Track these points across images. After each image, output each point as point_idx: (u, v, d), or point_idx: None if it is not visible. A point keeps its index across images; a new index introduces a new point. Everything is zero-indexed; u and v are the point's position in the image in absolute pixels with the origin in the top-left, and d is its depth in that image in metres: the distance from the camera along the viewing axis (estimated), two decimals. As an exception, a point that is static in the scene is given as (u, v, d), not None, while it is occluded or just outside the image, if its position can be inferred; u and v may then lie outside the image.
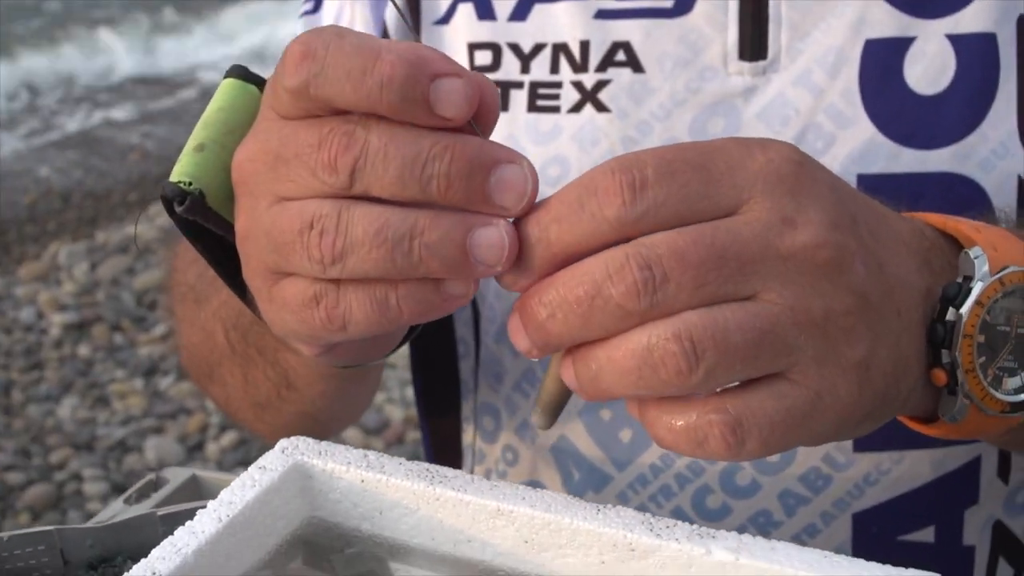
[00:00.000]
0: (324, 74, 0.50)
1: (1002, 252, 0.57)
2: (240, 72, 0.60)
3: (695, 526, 0.55)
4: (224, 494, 0.59)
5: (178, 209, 0.58)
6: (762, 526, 0.81)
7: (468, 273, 0.53)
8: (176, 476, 0.82)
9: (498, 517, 0.58)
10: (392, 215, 0.51)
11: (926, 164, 0.76)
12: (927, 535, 0.80)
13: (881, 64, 0.77)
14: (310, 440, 0.63)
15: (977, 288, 0.56)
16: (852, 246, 0.52)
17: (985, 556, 0.81)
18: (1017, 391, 0.57)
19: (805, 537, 0.80)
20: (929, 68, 0.76)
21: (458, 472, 0.60)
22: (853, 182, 0.76)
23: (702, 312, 0.50)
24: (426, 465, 0.61)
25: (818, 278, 0.51)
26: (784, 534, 0.80)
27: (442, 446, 0.97)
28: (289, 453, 0.62)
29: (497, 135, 0.77)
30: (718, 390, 0.51)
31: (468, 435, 0.94)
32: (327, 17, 0.94)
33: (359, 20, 0.91)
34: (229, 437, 3.07)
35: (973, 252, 0.57)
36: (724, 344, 0.49)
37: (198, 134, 0.59)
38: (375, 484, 0.61)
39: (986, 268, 0.56)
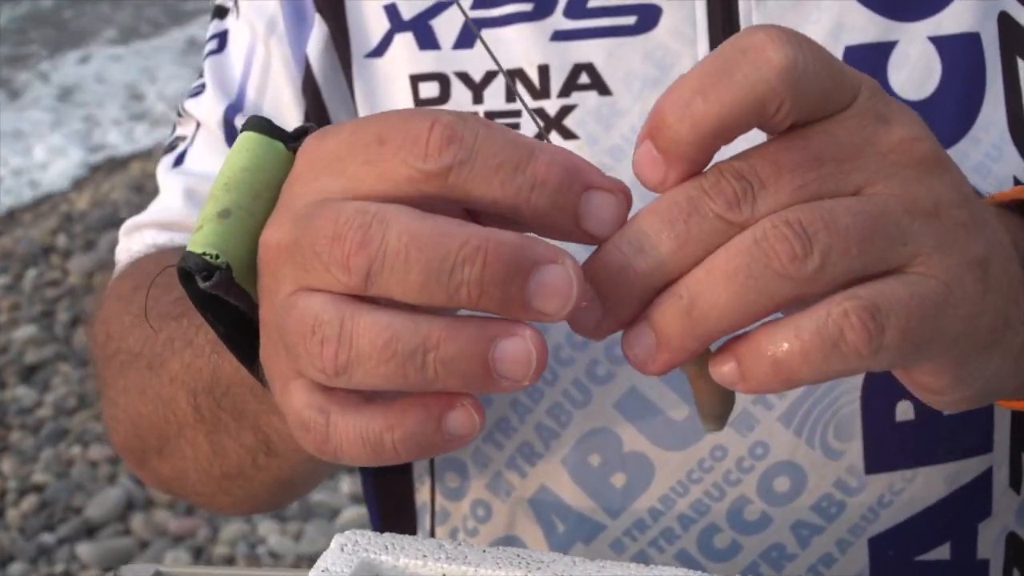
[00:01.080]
0: (472, 162, 0.45)
1: None
2: (263, 126, 0.53)
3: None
4: (295, 608, 0.51)
5: (203, 284, 0.51)
6: (775, 560, 0.77)
7: (490, 389, 0.46)
8: (138, 574, 0.73)
9: (614, 602, 0.52)
10: (403, 326, 0.45)
11: None
12: (943, 552, 0.77)
13: (864, 70, 0.73)
14: (369, 533, 0.56)
15: None
16: (944, 154, 0.50)
17: (1000, 569, 0.79)
18: None
19: (822, 568, 0.77)
20: (914, 72, 0.74)
21: (556, 555, 0.54)
22: None
23: (806, 203, 0.46)
24: (516, 550, 0.54)
25: (920, 171, 0.49)
26: (799, 567, 0.77)
27: (394, 508, 0.90)
28: (351, 551, 0.55)
29: None
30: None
31: (423, 493, 0.87)
32: (235, 57, 0.86)
33: (276, 58, 0.84)
34: (29, 502, 2.88)
35: None
36: (835, 226, 0.45)
37: (221, 198, 0.52)
38: (459, 577, 0.54)
39: None
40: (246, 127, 0.53)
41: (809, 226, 0.45)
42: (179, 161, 0.87)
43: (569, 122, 0.75)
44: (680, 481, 0.76)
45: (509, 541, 0.82)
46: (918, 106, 0.72)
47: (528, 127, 0.76)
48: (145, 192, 4.48)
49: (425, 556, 0.54)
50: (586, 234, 0.48)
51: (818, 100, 0.47)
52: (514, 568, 0.53)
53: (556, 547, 0.80)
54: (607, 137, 0.75)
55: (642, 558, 0.78)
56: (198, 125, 0.88)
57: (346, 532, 0.56)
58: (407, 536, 0.55)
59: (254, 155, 0.52)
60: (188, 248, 0.51)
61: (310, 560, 2.71)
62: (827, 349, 0.45)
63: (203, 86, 0.89)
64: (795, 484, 0.75)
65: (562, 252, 0.46)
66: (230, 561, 2.73)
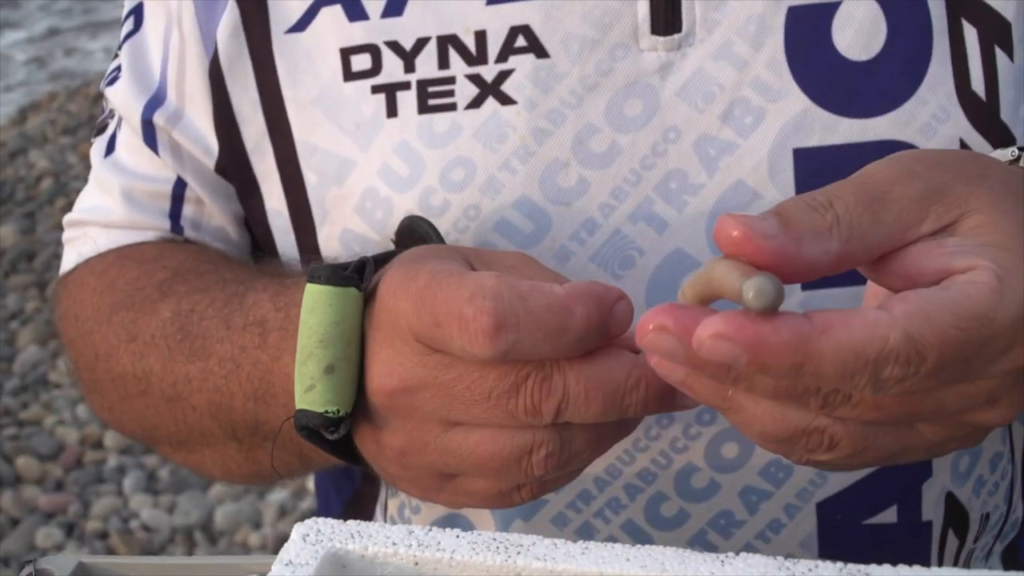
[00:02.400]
0: (522, 341, 0.52)
1: None
2: (336, 278, 0.59)
3: (841, 565, 0.49)
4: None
5: (332, 437, 0.60)
6: (724, 528, 0.75)
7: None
8: (60, 567, 0.68)
9: (601, 586, 0.49)
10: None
11: (865, 133, 0.71)
12: (890, 515, 0.76)
13: (808, 31, 0.72)
14: (332, 521, 0.52)
15: None
16: (1013, 416, 0.54)
17: (939, 530, 0.78)
18: None
19: (770, 534, 0.75)
20: (859, 33, 0.72)
21: (535, 538, 0.51)
22: (788, 158, 0.71)
23: (861, 426, 0.53)
24: (492, 534, 0.51)
25: (972, 432, 0.55)
26: (748, 533, 0.75)
27: (346, 480, 0.88)
28: (315, 540, 0.51)
29: (387, 143, 0.73)
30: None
31: None
32: (152, 39, 0.83)
33: (190, 43, 0.80)
34: None
35: None
36: (861, 451, 0.53)
37: (321, 355, 0.59)
38: (433, 566, 0.51)
39: None
40: (316, 279, 0.59)
41: (841, 445, 0.53)
42: (110, 149, 0.86)
43: (507, 87, 0.72)
44: (626, 450, 0.74)
45: (451, 519, 0.80)
46: (864, 66, 0.71)
47: (463, 93, 0.73)
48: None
49: (395, 544, 0.51)
50: (611, 337, 0.55)
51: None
52: (492, 553, 0.50)
53: (498, 522, 0.78)
54: (545, 101, 0.72)
55: (586, 530, 0.76)
56: (119, 118, 0.85)
57: (307, 521, 0.52)
58: (372, 524, 0.52)
59: (337, 309, 0.58)
60: (304, 407, 0.59)
61: (185, 532, 2.65)
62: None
63: (119, 71, 0.85)
64: (743, 450, 0.74)
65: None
66: (103, 536, 2.65)
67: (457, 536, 0.51)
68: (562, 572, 0.50)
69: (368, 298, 0.59)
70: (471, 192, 0.72)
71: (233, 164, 0.80)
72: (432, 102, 0.73)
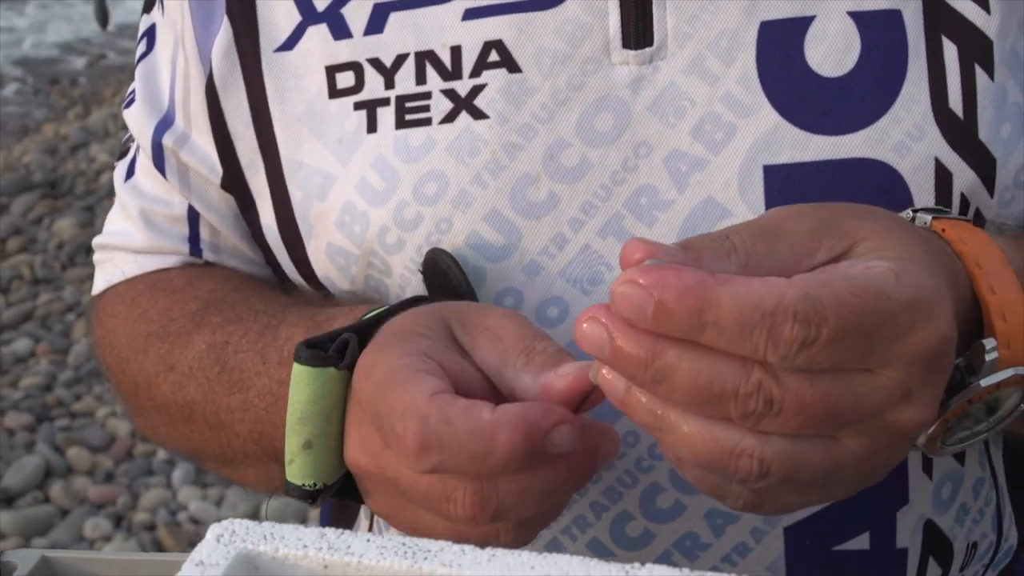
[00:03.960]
0: (448, 463, 0.56)
1: (1015, 351, 0.60)
2: (315, 359, 0.63)
3: (747, 578, 0.48)
4: (165, 606, 0.48)
5: (313, 507, 0.65)
6: (689, 549, 0.74)
7: None
8: (24, 561, 0.69)
9: (504, 592, 0.49)
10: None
11: (837, 151, 0.70)
12: (862, 542, 0.75)
13: (780, 47, 0.71)
14: (248, 523, 0.52)
15: (971, 388, 0.60)
16: (931, 414, 0.55)
17: (916, 558, 0.76)
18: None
19: (736, 557, 0.74)
20: (832, 48, 0.71)
21: (443, 543, 0.51)
22: (759, 174, 0.71)
23: (788, 443, 0.53)
24: (402, 539, 0.51)
25: (897, 439, 0.55)
26: (713, 556, 0.74)
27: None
28: (228, 541, 0.51)
29: (366, 158, 0.74)
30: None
31: None
32: (162, 61, 0.85)
33: (192, 61, 0.82)
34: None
35: (988, 350, 0.60)
36: (793, 471, 0.53)
37: (300, 430, 0.63)
38: (342, 568, 0.51)
39: (989, 380, 0.60)
40: (298, 358, 0.63)
41: (772, 469, 0.53)
42: (130, 173, 0.89)
43: (480, 102, 0.73)
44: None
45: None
46: (836, 83, 0.70)
47: (438, 108, 0.73)
48: (58, 155, 4.38)
49: (306, 547, 0.51)
50: (556, 456, 0.57)
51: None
52: (399, 558, 0.50)
53: None
54: (517, 115, 0.72)
55: (554, 546, 0.75)
56: (136, 143, 0.88)
57: (223, 521, 0.52)
58: (287, 525, 0.52)
59: (315, 389, 0.62)
60: (288, 479, 0.64)
61: (233, 526, 2.67)
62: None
63: (134, 93, 0.87)
64: None
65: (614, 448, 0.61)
66: (151, 528, 2.68)
67: (367, 540, 0.51)
68: (467, 579, 0.50)
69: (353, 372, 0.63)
70: (443, 206, 0.73)
71: (232, 181, 0.82)
72: (409, 117, 0.74)
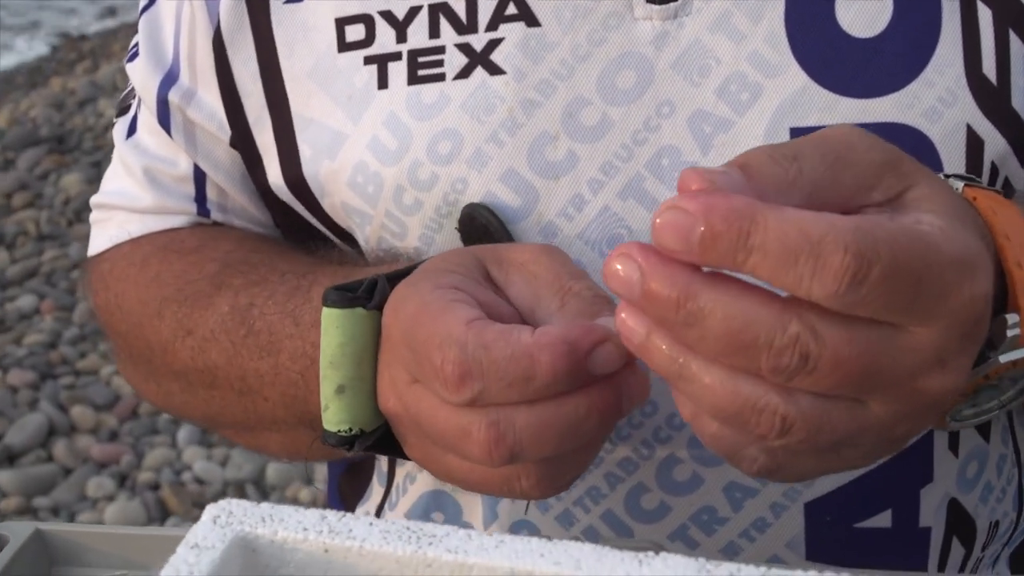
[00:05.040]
0: (488, 390, 0.53)
1: None
2: (343, 300, 0.60)
3: (765, 568, 0.46)
4: (157, 591, 0.46)
5: (350, 454, 0.63)
6: (706, 523, 0.73)
7: None
8: (16, 533, 0.67)
9: (512, 581, 0.47)
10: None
11: (866, 114, 0.68)
12: (884, 520, 0.73)
13: (809, 5, 0.69)
14: (246, 504, 0.50)
15: (989, 363, 0.58)
16: (960, 383, 0.52)
17: (940, 537, 0.75)
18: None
19: (754, 532, 0.73)
20: (864, 9, 0.68)
21: (449, 528, 0.49)
22: (785, 137, 0.68)
23: (814, 402, 0.50)
24: (405, 523, 0.49)
25: (924, 408, 0.52)
26: (731, 531, 0.73)
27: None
28: (224, 523, 0.49)
29: (377, 115, 0.72)
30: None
31: None
32: (165, 12, 0.82)
33: (199, 14, 0.79)
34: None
35: (1011, 325, 0.57)
36: (815, 432, 0.50)
37: (332, 376, 0.61)
38: (343, 553, 0.49)
39: (1008, 357, 0.58)
40: (326, 301, 0.60)
41: (794, 428, 0.50)
42: (132, 130, 0.86)
43: (496, 57, 0.70)
44: (608, 437, 0.71)
45: (438, 496, 0.79)
46: (867, 44, 0.68)
47: (452, 63, 0.71)
48: (66, 109, 4.36)
49: (306, 530, 0.49)
50: (601, 375, 0.55)
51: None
52: (404, 543, 0.48)
53: (484, 507, 0.76)
54: (535, 71, 0.70)
55: (567, 519, 0.74)
56: (139, 97, 0.85)
57: (220, 502, 0.50)
58: (286, 507, 0.50)
59: (344, 331, 0.60)
60: (325, 426, 0.62)
61: (237, 486, 2.66)
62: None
63: (138, 47, 0.84)
64: None
65: (646, 384, 0.57)
66: (155, 488, 2.67)
67: (370, 524, 0.49)
68: (473, 566, 0.48)
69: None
70: (458, 165, 0.71)
71: (239, 138, 0.80)
72: (421, 72, 0.72)
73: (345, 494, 0.92)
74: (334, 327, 0.60)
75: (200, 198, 0.84)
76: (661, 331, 0.49)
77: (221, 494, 2.67)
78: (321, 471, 2.76)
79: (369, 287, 0.61)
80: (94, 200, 0.89)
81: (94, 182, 3.83)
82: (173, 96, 0.81)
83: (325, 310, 0.61)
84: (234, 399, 0.77)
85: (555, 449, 0.55)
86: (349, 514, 0.50)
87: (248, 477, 2.69)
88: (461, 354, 0.53)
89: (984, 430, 0.75)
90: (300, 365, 0.71)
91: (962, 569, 0.77)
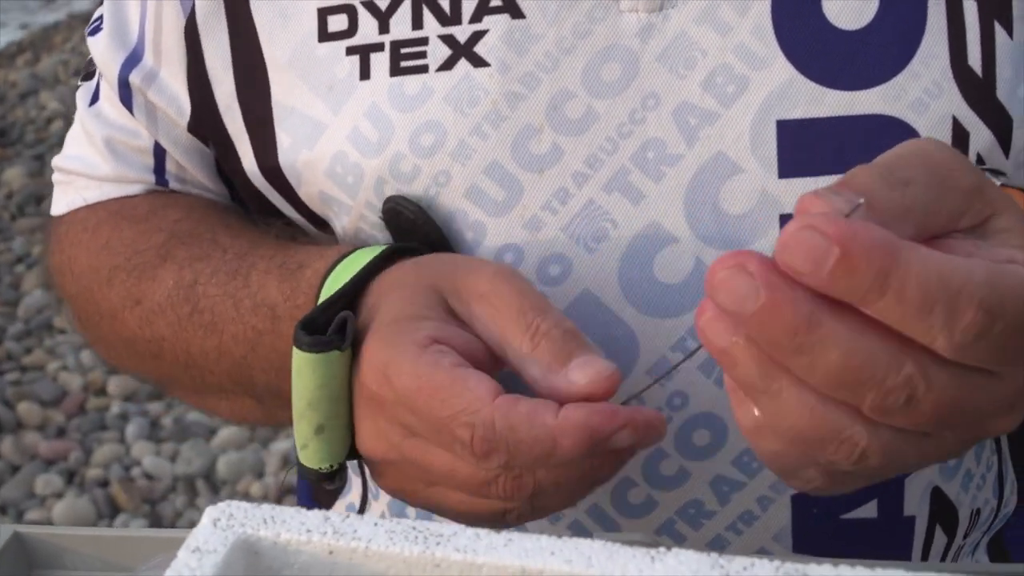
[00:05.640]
0: (514, 463, 0.56)
1: None
2: (317, 344, 0.61)
3: (779, 563, 0.46)
4: (161, 597, 0.45)
5: (330, 487, 0.67)
6: (693, 517, 0.72)
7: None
8: (-7, 537, 0.66)
9: (523, 580, 0.47)
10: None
11: (852, 107, 0.68)
12: (870, 510, 0.74)
13: None
14: (246, 505, 0.49)
15: None
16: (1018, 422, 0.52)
17: (924, 526, 0.76)
18: None
19: (741, 526, 0.72)
20: (850, 1, 0.68)
21: (456, 527, 0.48)
22: (772, 129, 0.68)
23: (895, 435, 0.49)
24: (412, 523, 0.48)
25: (976, 440, 0.53)
26: (718, 524, 0.72)
27: None
28: (225, 526, 0.48)
29: (358, 107, 0.72)
30: None
31: None
32: (131, 9, 0.81)
33: (168, 9, 0.78)
34: None
35: None
36: (887, 462, 0.50)
37: (311, 416, 0.62)
38: (348, 554, 0.48)
39: None
40: (300, 345, 0.61)
41: (872, 459, 0.49)
42: (95, 98, 0.85)
43: (480, 49, 0.70)
44: None
45: None
46: (854, 36, 0.68)
47: (435, 54, 0.70)
48: (7, 102, 4.30)
49: (310, 531, 0.48)
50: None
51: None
52: (410, 543, 0.47)
53: None
54: (519, 64, 0.69)
55: (554, 514, 0.74)
56: (100, 73, 0.84)
57: (219, 504, 0.49)
58: (288, 508, 0.49)
59: (321, 374, 0.61)
60: (303, 463, 0.64)
61: (187, 481, 2.64)
62: None
63: (101, 21, 0.83)
64: (715, 437, 0.71)
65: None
66: (104, 484, 2.64)
67: (375, 524, 0.48)
68: (483, 565, 0.47)
69: (354, 346, 0.62)
70: (441, 158, 0.70)
71: (208, 124, 0.79)
72: (404, 64, 0.71)
73: (320, 494, 0.92)
74: (310, 371, 0.62)
75: (159, 169, 0.83)
76: (754, 347, 0.48)
77: (171, 490, 2.65)
78: (272, 463, 2.74)
79: (339, 326, 0.62)
80: (56, 162, 0.88)
81: (36, 175, 3.77)
82: (134, 78, 0.80)
83: (300, 354, 0.61)
84: (181, 370, 0.77)
85: (570, 499, 0.60)
86: (354, 514, 0.49)
87: (198, 472, 2.67)
88: (488, 432, 0.56)
89: None
90: (243, 349, 0.72)
91: (944, 557, 0.78)
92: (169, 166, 0.83)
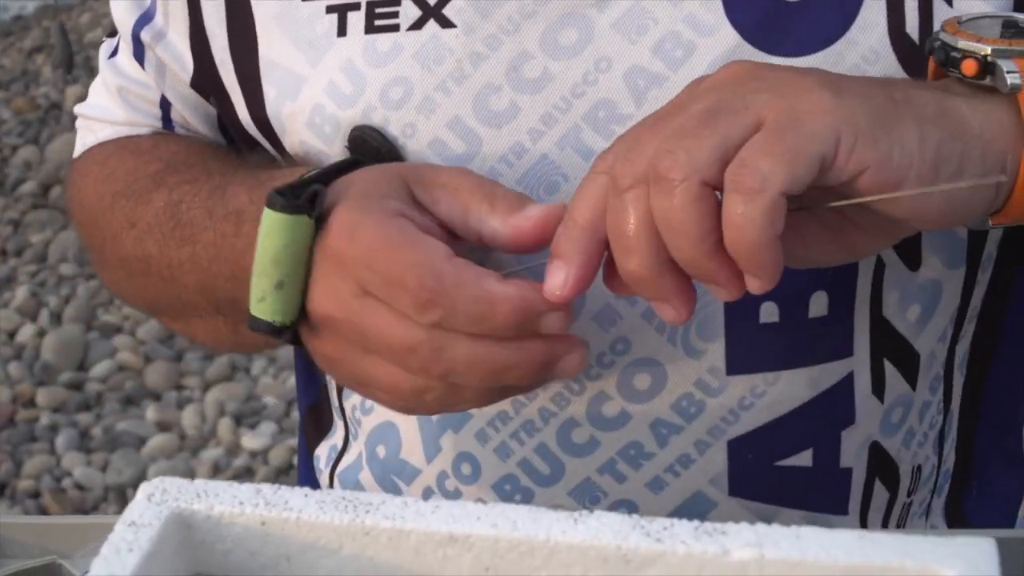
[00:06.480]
0: (452, 318, 0.61)
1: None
2: (289, 205, 0.65)
3: (697, 523, 0.48)
4: (98, 567, 0.46)
5: (278, 341, 0.69)
6: (633, 458, 0.76)
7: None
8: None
9: (450, 545, 0.48)
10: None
11: None
12: (805, 459, 0.76)
13: None
14: (180, 481, 0.51)
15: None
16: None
17: (862, 479, 0.78)
18: None
19: (679, 468, 0.76)
20: None
21: (385, 496, 0.50)
22: None
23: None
24: (341, 493, 0.50)
25: (742, 77, 0.60)
26: (657, 466, 0.76)
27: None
28: (159, 500, 0.50)
29: (335, 61, 0.77)
30: None
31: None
32: None
33: None
34: None
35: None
36: (681, 131, 0.57)
37: (272, 272, 0.66)
38: (280, 525, 0.49)
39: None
40: (272, 205, 0.65)
41: (665, 144, 0.57)
42: (114, 52, 0.92)
43: (448, 11, 0.74)
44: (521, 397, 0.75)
45: (388, 427, 0.83)
46: (796, 6, 0.71)
47: (407, 14, 0.75)
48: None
49: (242, 503, 0.50)
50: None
51: None
52: (340, 512, 0.49)
53: (428, 436, 0.80)
54: (483, 26, 0.73)
55: (504, 451, 0.77)
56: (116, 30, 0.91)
57: (154, 480, 0.51)
58: (220, 483, 0.51)
59: (288, 234, 0.65)
60: (256, 315, 0.67)
61: (118, 491, 2.63)
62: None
63: None
64: (655, 382, 0.74)
65: (577, 343, 0.63)
66: (35, 495, 2.62)
67: (305, 495, 0.50)
68: (411, 531, 0.49)
69: (319, 220, 0.65)
70: (408, 111, 0.74)
71: (208, 79, 0.84)
72: (378, 23, 0.75)
73: (310, 434, 0.97)
74: (279, 230, 0.65)
75: (166, 119, 0.90)
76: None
77: (102, 499, 2.64)
78: (203, 471, 2.73)
79: (310, 196, 0.66)
80: (77, 109, 0.96)
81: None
82: (145, 35, 0.86)
83: (271, 214, 0.65)
84: (163, 286, 0.82)
85: (480, 380, 0.63)
86: (284, 486, 0.50)
87: (129, 481, 2.66)
88: (437, 283, 0.60)
89: (911, 378, 0.78)
90: (209, 254, 0.76)
91: (889, 512, 0.80)
92: (174, 117, 0.89)
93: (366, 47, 0.76)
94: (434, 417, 0.80)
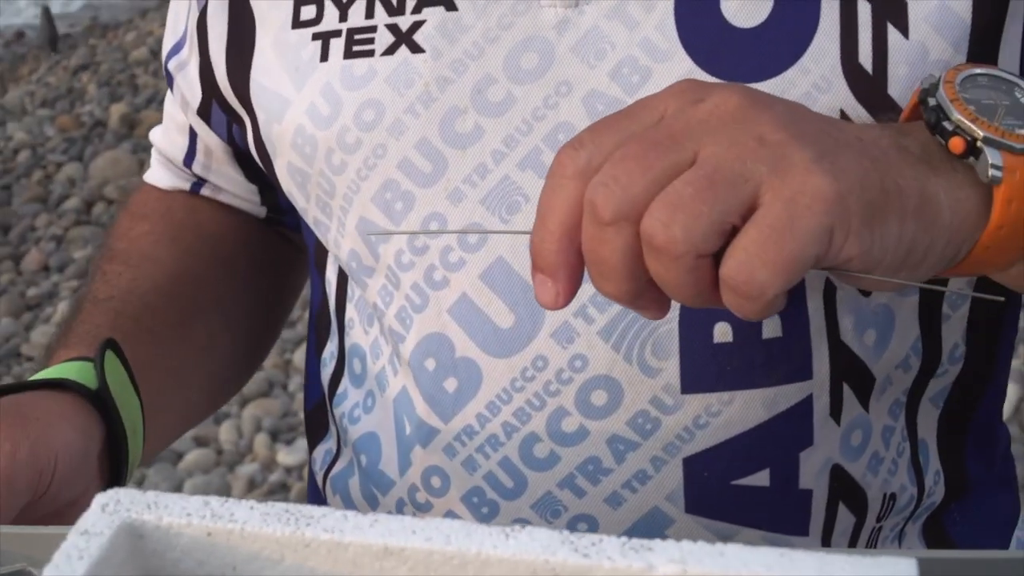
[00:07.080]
0: None
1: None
2: None
3: (625, 539, 0.49)
4: (48, 573, 0.48)
5: None
6: (591, 473, 0.78)
7: None
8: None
9: (386, 558, 0.50)
10: None
11: None
12: (762, 479, 0.78)
13: None
14: (133, 492, 0.53)
15: (940, 74, 0.62)
16: (764, 98, 0.58)
17: (823, 501, 0.79)
18: None
19: (636, 484, 0.77)
20: (746, 1, 0.74)
21: (327, 509, 0.52)
22: None
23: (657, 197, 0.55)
24: (285, 506, 0.52)
25: (739, 120, 0.56)
26: (615, 481, 0.77)
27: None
28: (112, 510, 0.52)
29: (316, 85, 0.81)
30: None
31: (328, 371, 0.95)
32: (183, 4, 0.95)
33: (194, 3, 0.91)
34: None
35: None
36: (679, 202, 0.54)
37: None
38: (225, 536, 0.51)
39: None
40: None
41: (662, 215, 0.54)
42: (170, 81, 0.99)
43: (418, 37, 0.78)
44: (505, 389, 0.77)
45: (371, 438, 0.86)
46: (749, 33, 0.73)
47: (381, 41, 0.79)
48: None
49: (190, 515, 0.52)
50: None
51: None
52: (282, 524, 0.51)
53: (402, 448, 0.83)
54: (450, 51, 0.77)
55: (470, 464, 0.80)
56: None
57: (108, 491, 0.53)
58: (171, 495, 0.53)
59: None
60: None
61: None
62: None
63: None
64: (612, 398, 0.76)
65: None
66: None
67: (250, 508, 0.52)
68: (349, 544, 0.50)
69: None
70: (379, 132, 0.78)
71: (221, 105, 0.90)
72: (356, 48, 0.79)
73: (310, 437, 1.01)
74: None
75: (190, 151, 0.97)
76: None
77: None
78: (239, 486, 2.76)
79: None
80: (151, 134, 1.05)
81: (3, 205, 3.80)
82: (172, 65, 0.93)
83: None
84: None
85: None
86: (231, 499, 0.52)
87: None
88: None
89: (864, 400, 0.79)
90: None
91: (856, 535, 0.81)
92: (199, 148, 0.97)
93: (343, 71, 0.79)
94: (407, 430, 0.82)
